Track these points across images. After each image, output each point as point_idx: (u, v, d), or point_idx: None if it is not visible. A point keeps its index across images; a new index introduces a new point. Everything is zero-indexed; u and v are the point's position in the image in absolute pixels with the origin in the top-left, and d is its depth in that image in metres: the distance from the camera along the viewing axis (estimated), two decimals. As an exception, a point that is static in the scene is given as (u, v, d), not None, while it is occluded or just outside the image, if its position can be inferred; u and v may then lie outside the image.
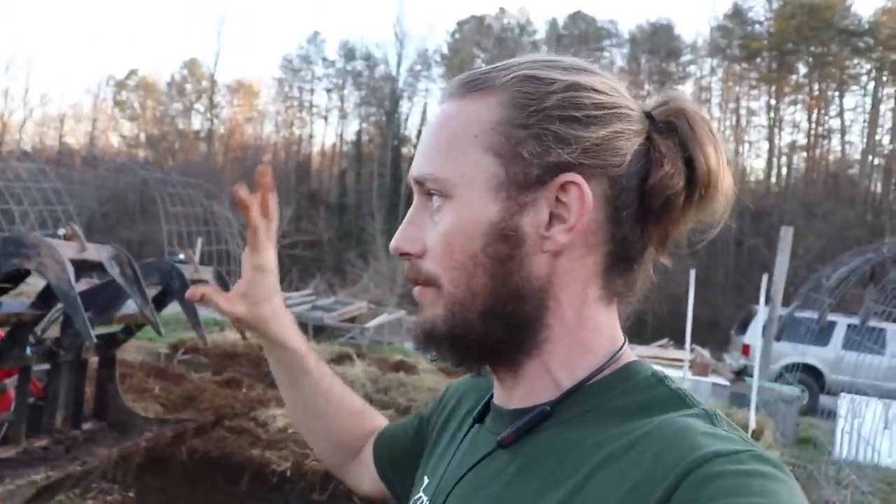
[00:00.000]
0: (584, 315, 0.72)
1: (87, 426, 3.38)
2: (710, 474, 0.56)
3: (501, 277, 0.70)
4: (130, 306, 3.20)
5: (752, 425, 5.94)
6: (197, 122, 47.05)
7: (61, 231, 2.57)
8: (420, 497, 0.84)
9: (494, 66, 0.74)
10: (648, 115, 0.74)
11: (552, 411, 0.71)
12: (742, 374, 9.34)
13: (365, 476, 1.08)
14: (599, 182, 0.69)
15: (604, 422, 0.68)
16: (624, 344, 0.75)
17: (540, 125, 0.69)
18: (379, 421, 1.12)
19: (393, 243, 0.76)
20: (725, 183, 0.73)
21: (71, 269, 2.44)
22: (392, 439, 1.04)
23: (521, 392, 0.75)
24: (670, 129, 0.72)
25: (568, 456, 0.67)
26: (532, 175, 0.69)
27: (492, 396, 0.81)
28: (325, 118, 46.74)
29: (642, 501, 0.58)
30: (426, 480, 0.86)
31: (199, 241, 16.01)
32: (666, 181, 0.70)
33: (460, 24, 44.80)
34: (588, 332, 0.72)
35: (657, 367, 0.74)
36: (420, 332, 0.76)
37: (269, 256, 0.99)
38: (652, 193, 0.71)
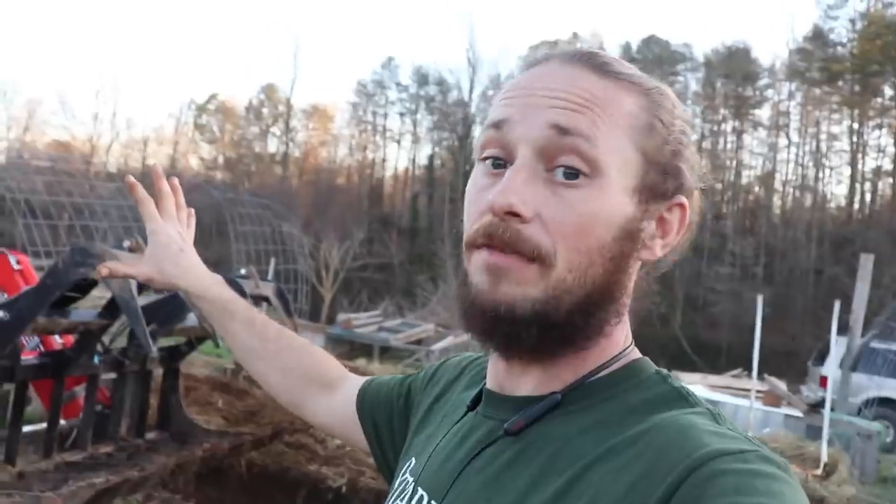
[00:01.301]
0: (625, 317, 0.75)
1: (150, 435, 3.48)
2: (715, 472, 0.55)
3: (612, 273, 0.70)
4: (191, 320, 3.29)
5: (825, 458, 5.68)
6: (273, 146, 48.34)
7: (125, 243, 2.66)
8: (406, 478, 0.83)
9: (618, 61, 0.73)
10: None
11: (561, 400, 0.71)
12: (819, 406, 8.96)
13: (335, 421, 1.11)
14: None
15: (607, 415, 0.68)
16: (631, 343, 0.76)
17: (678, 145, 0.72)
18: (334, 365, 1.16)
19: (502, 198, 0.66)
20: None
21: (133, 281, 2.53)
22: (377, 399, 1.05)
23: (539, 380, 0.73)
24: None
25: (568, 446, 0.67)
26: (666, 189, 0.72)
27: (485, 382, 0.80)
28: (398, 142, 47.41)
29: (644, 497, 0.57)
30: (413, 460, 0.85)
31: (273, 261, 16.33)
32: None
33: (532, 48, 44.91)
34: (619, 333, 0.74)
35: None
36: (493, 309, 0.68)
37: (161, 223, 1.12)
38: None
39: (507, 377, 0.76)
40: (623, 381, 0.71)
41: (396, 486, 0.85)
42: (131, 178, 1.11)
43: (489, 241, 0.68)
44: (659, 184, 0.71)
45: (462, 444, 0.77)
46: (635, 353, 0.75)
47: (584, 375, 0.71)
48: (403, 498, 0.80)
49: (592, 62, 0.71)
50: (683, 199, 0.73)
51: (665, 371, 0.73)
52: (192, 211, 1.20)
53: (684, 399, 0.68)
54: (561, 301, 0.67)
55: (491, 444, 0.73)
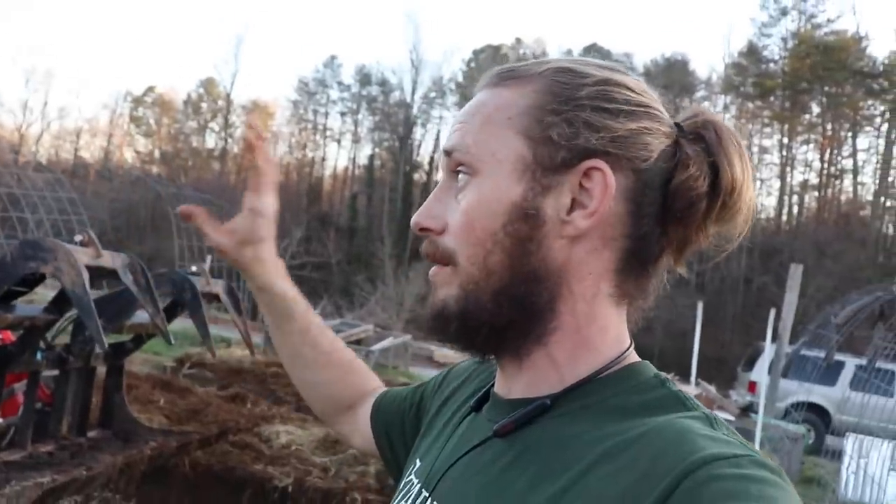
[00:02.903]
0: (595, 311, 0.72)
1: (92, 434, 3.39)
2: (709, 477, 0.56)
3: (518, 257, 0.71)
4: (140, 316, 3.22)
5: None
6: (211, 141, 47.52)
7: (77, 237, 2.60)
8: (411, 479, 0.84)
9: (529, 60, 0.77)
10: (677, 125, 0.76)
11: (552, 405, 0.71)
12: (748, 410, 9.27)
13: (357, 434, 1.11)
14: (625, 175, 0.71)
15: (603, 419, 0.68)
16: (630, 346, 0.75)
17: (572, 112, 0.71)
18: (372, 381, 1.15)
19: (414, 218, 0.77)
20: (748, 194, 0.74)
21: (86, 275, 2.47)
22: (390, 409, 1.05)
23: (524, 383, 0.75)
24: (697, 137, 0.74)
25: (564, 449, 0.67)
26: (558, 158, 0.70)
27: (492, 385, 0.82)
28: (339, 141, 47.20)
29: (638, 500, 0.57)
30: (418, 463, 0.87)
31: (209, 258, 16.03)
32: (690, 182, 0.72)
33: (476, 52, 45.23)
34: (596, 330, 0.73)
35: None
36: (431, 314, 0.76)
37: (268, 202, 1.05)
38: (675, 194, 0.72)
39: (502, 380, 0.78)
40: (620, 383, 0.71)
41: (401, 487, 0.86)
42: (257, 127, 1.04)
43: (425, 255, 0.77)
44: (551, 157, 0.70)
45: (464, 445, 0.78)
46: (633, 357, 0.75)
47: (583, 378, 0.71)
48: (407, 499, 0.81)
49: (496, 77, 0.77)
50: (596, 163, 0.70)
51: (664, 375, 0.73)
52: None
53: (682, 403, 0.68)
54: (476, 293, 0.72)
55: (480, 444, 0.74)
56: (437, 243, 0.75)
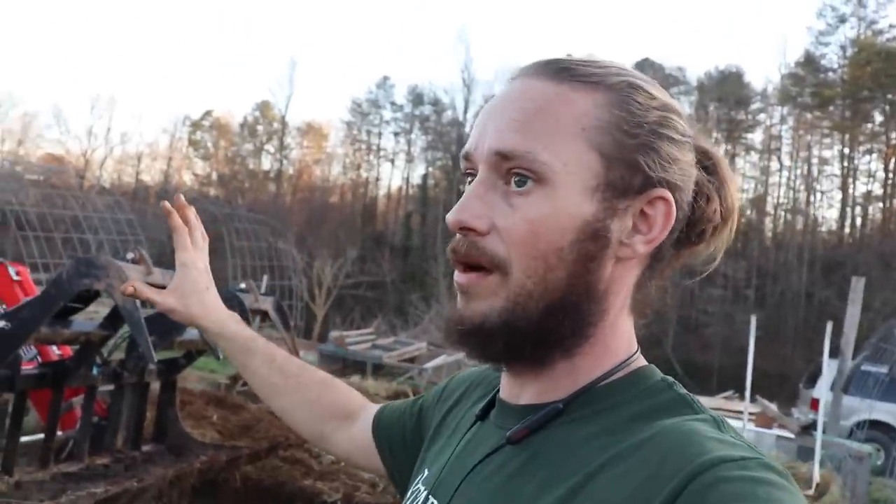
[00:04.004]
0: (618, 322, 0.74)
1: (146, 447, 3.49)
2: (717, 479, 0.56)
3: (580, 275, 0.70)
4: (191, 333, 3.31)
5: (817, 479, 5.71)
6: (267, 163, 48.43)
7: (129, 255, 2.69)
8: (418, 488, 0.85)
9: (590, 61, 0.73)
10: None
11: (564, 409, 0.71)
12: (810, 428, 8.98)
13: (355, 449, 1.11)
14: (678, 205, 0.72)
15: (612, 422, 0.68)
16: (637, 350, 0.76)
17: (648, 137, 0.70)
18: (355, 397, 1.16)
19: (455, 215, 0.71)
20: (735, 218, 0.79)
21: (137, 292, 2.55)
22: (391, 423, 1.06)
23: (538, 389, 0.74)
24: (705, 167, 0.76)
25: (573, 453, 0.67)
26: (634, 184, 0.70)
27: (497, 392, 0.82)
28: (392, 161, 47.54)
29: (647, 502, 0.58)
30: (426, 472, 0.87)
31: (265, 277, 16.31)
32: (710, 214, 0.75)
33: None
34: (617, 339, 0.74)
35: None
36: (467, 328, 0.72)
37: (193, 256, 1.11)
38: (697, 222, 0.75)
39: (511, 387, 0.78)
40: (628, 388, 0.71)
41: (409, 496, 0.86)
42: (167, 205, 1.11)
43: (455, 256, 0.73)
44: (625, 179, 0.69)
45: (473, 452, 0.77)
46: (641, 361, 0.75)
47: (591, 382, 0.72)
48: None
49: (551, 69, 0.72)
50: (664, 193, 0.70)
51: (671, 378, 0.73)
52: (206, 237, 1.19)
53: (689, 406, 0.68)
54: (526, 307, 0.69)
55: (494, 451, 0.74)
56: (482, 246, 0.70)
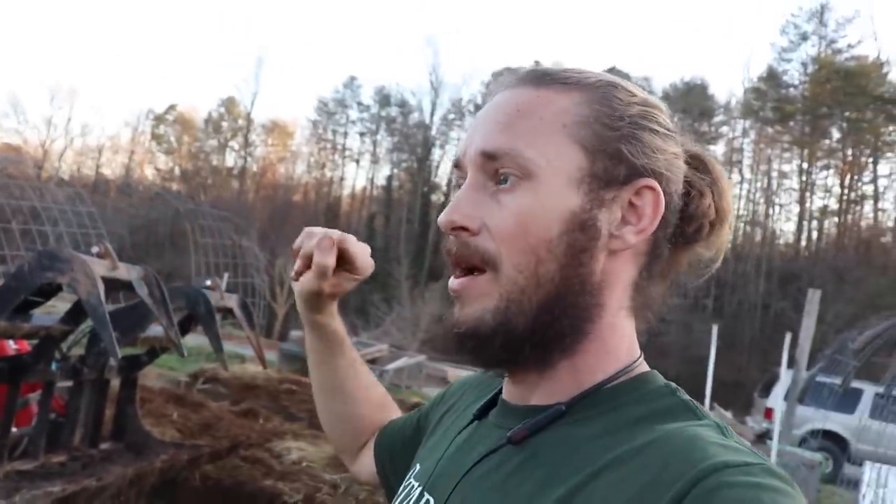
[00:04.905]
0: (617, 321, 0.73)
1: (104, 445, 3.41)
2: (720, 484, 0.55)
3: (571, 268, 0.70)
4: (154, 329, 3.26)
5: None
6: (231, 160, 47.97)
7: (94, 249, 2.63)
8: (410, 483, 0.84)
9: (571, 68, 0.75)
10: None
11: (566, 410, 0.71)
12: (764, 437, 9.14)
13: (365, 466, 1.11)
14: (667, 196, 0.72)
15: (614, 425, 0.68)
16: (641, 355, 0.76)
17: (629, 129, 0.71)
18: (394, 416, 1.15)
19: (447, 216, 0.72)
20: (731, 219, 0.80)
21: (101, 286, 2.50)
22: (393, 433, 1.06)
23: (542, 391, 0.74)
24: (697, 167, 0.78)
25: (574, 454, 0.67)
26: (618, 174, 0.71)
27: (497, 393, 0.82)
28: (357, 162, 47.47)
29: None
30: (417, 467, 0.87)
31: (226, 275, 16.13)
32: (704, 209, 0.76)
33: (495, 75, 45.37)
34: (617, 340, 0.73)
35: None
36: (463, 333, 0.72)
37: (360, 249, 1.06)
38: (691, 218, 0.76)
39: (513, 387, 0.78)
40: (631, 392, 0.71)
41: (400, 491, 0.85)
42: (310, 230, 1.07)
43: (448, 256, 0.74)
44: (608, 170, 0.70)
45: (471, 451, 0.77)
46: (644, 366, 0.75)
47: (595, 385, 0.72)
48: (408, 501, 0.81)
49: (532, 77, 0.75)
50: (650, 182, 0.71)
51: (674, 384, 0.73)
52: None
53: (692, 412, 0.68)
54: (520, 305, 0.69)
55: (495, 451, 0.74)
56: (474, 244, 0.71)
